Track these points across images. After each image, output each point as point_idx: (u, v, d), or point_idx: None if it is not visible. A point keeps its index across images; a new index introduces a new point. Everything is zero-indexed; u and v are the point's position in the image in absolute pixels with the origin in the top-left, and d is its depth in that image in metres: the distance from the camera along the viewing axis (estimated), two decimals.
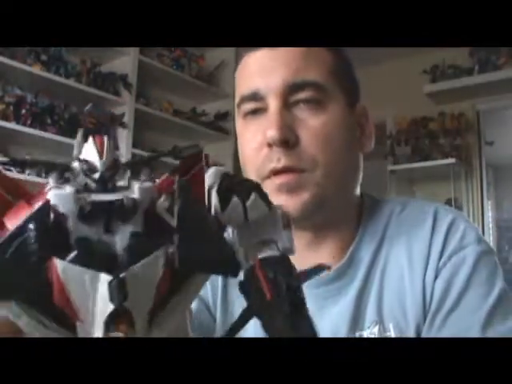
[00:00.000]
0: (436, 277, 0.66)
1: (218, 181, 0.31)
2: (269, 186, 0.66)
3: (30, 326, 0.26)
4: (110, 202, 0.26)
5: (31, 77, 2.61)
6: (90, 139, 0.27)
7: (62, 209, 0.26)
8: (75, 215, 0.26)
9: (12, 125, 2.48)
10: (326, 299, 0.70)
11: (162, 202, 0.28)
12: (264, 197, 0.32)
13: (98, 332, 0.25)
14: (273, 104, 0.67)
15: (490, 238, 4.03)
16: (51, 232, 0.26)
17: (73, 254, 0.25)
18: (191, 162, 0.30)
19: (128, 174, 0.28)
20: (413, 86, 3.62)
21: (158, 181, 0.29)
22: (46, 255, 0.25)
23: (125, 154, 2.93)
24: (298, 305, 0.31)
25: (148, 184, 0.28)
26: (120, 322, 0.25)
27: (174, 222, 0.28)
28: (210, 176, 0.31)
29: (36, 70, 2.60)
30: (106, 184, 0.27)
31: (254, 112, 0.70)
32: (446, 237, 0.68)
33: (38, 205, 0.26)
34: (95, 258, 0.26)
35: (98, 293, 0.25)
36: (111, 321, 0.25)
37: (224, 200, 0.30)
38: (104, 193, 0.27)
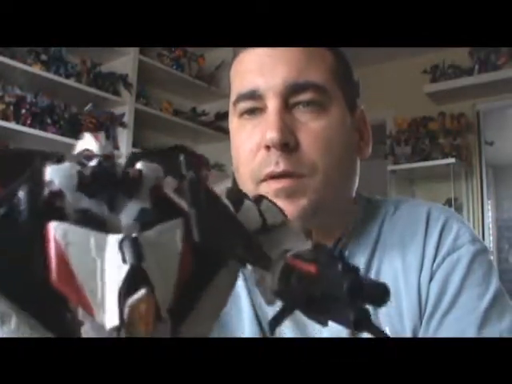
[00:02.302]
0: (431, 278, 0.66)
1: (223, 192, 0.28)
2: (265, 190, 0.64)
3: (18, 331, 0.21)
4: (114, 175, 0.23)
5: (31, 77, 2.60)
6: (87, 134, 0.25)
7: (57, 184, 0.22)
8: (74, 189, 0.22)
9: (12, 125, 2.48)
10: None
11: (170, 182, 0.25)
12: (276, 205, 0.29)
13: (112, 315, 0.20)
14: (272, 104, 0.64)
15: (490, 238, 4.03)
16: (44, 204, 0.22)
17: (73, 219, 0.21)
18: (197, 161, 0.28)
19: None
20: (413, 86, 3.63)
21: None
22: (40, 222, 0.21)
23: (125, 153, 2.93)
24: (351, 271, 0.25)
25: (152, 163, 0.24)
26: (140, 302, 0.20)
27: (183, 204, 0.24)
28: (216, 188, 0.28)
29: (36, 69, 2.59)
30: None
31: (251, 111, 0.67)
32: (440, 238, 0.67)
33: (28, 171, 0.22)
34: (96, 225, 0.21)
35: (106, 260, 0.21)
36: (127, 290, 0.20)
37: (236, 203, 0.28)
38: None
